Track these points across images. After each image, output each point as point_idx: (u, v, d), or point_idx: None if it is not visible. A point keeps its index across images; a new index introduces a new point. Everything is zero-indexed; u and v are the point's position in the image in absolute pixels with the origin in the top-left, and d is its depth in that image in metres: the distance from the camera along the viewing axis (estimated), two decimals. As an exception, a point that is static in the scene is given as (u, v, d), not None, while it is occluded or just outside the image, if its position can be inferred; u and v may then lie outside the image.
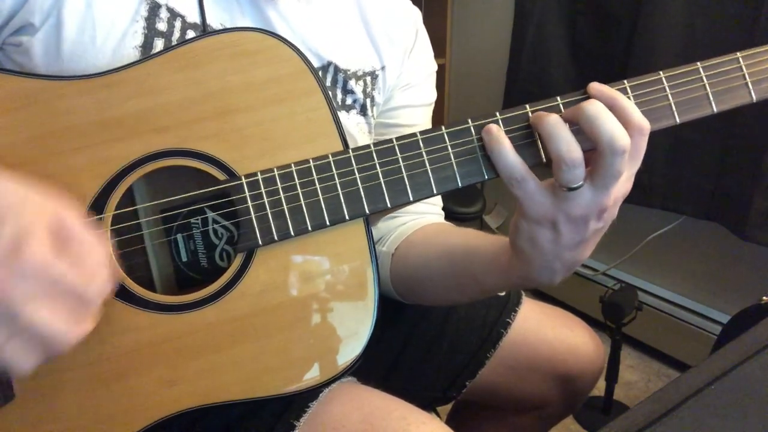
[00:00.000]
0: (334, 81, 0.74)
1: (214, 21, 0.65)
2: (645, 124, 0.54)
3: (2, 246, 0.42)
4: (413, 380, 0.89)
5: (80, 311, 0.46)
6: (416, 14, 0.83)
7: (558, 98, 0.58)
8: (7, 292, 0.42)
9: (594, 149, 0.53)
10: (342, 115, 0.74)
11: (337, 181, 0.57)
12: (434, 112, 0.87)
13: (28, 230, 0.43)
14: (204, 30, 0.64)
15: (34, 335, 0.44)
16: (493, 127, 0.56)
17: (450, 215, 0.86)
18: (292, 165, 0.57)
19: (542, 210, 0.55)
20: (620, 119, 0.53)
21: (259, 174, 0.57)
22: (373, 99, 0.77)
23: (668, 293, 1.81)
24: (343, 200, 0.57)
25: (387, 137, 0.80)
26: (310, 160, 0.57)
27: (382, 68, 0.78)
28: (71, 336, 0.45)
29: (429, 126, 0.86)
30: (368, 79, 0.76)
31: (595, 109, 0.53)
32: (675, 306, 1.78)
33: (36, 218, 0.44)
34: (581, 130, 0.53)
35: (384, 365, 0.88)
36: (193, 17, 0.64)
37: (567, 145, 0.52)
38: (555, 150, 0.53)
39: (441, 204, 0.88)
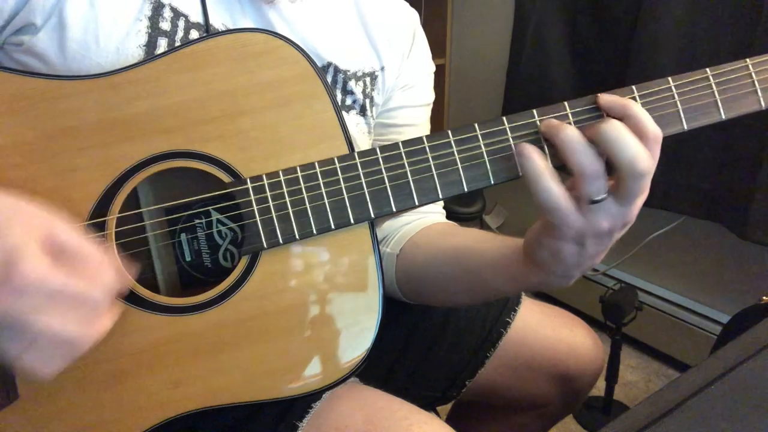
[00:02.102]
0: (334, 81, 0.74)
1: (217, 21, 0.66)
2: (659, 134, 0.53)
3: None
4: (413, 380, 0.89)
5: (91, 314, 0.47)
6: (414, 16, 0.84)
7: (566, 104, 0.56)
8: (12, 309, 0.43)
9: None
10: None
11: (342, 185, 0.57)
12: (434, 112, 0.87)
13: (19, 247, 0.43)
14: (207, 29, 0.64)
15: (47, 343, 0.45)
16: (527, 147, 0.54)
17: (450, 215, 0.86)
18: (298, 169, 0.57)
19: (574, 231, 0.54)
20: (634, 129, 0.53)
21: (264, 177, 0.57)
22: (372, 99, 0.78)
23: (668, 293, 1.81)
24: (348, 204, 0.57)
25: (386, 138, 0.80)
26: (316, 164, 0.57)
27: (382, 69, 0.78)
28: (86, 338, 0.47)
29: (428, 126, 0.86)
30: (368, 79, 0.77)
31: (615, 131, 0.51)
32: (675, 306, 1.78)
33: (25, 233, 0.44)
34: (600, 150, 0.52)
35: (384, 365, 0.88)
36: (196, 17, 0.64)
37: (587, 158, 0.52)
38: (576, 163, 0.52)
39: (442, 203, 0.88)
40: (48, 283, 0.44)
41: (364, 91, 0.76)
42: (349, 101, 0.75)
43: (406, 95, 0.82)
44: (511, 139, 0.56)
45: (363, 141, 0.77)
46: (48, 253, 0.45)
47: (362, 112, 0.76)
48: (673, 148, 1.52)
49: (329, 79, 0.73)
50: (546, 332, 0.90)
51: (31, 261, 0.43)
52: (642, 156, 0.51)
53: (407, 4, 0.84)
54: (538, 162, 0.53)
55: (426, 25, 0.86)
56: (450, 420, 1.08)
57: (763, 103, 0.59)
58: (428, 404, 0.93)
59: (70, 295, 0.45)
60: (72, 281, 0.45)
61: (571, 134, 0.53)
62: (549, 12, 1.78)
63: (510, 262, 0.64)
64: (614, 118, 0.54)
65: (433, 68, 0.87)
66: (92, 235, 0.55)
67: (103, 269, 0.47)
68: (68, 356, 0.46)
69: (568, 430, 1.61)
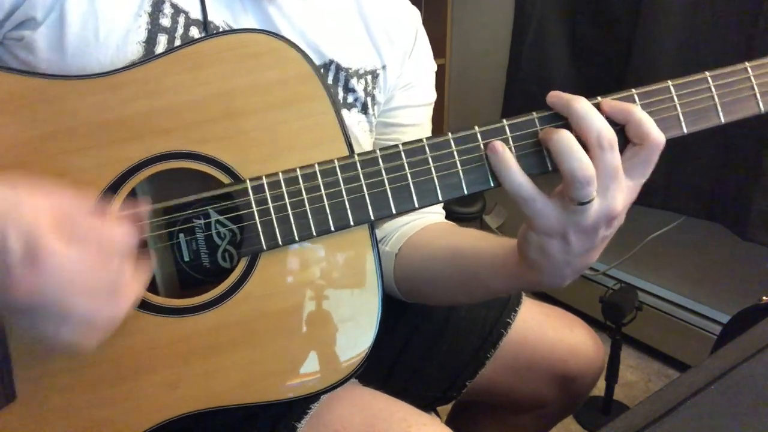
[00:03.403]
0: (336, 79, 0.74)
1: (217, 18, 0.65)
2: (661, 140, 0.54)
3: (19, 256, 0.44)
4: (414, 380, 0.89)
5: (115, 282, 0.48)
6: (415, 15, 0.84)
7: None
8: (41, 294, 0.45)
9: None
10: (343, 113, 0.74)
11: (342, 186, 0.57)
12: (434, 112, 0.87)
13: (34, 233, 0.44)
14: (206, 26, 0.64)
15: (81, 319, 0.47)
16: (498, 145, 0.56)
17: (450, 215, 0.86)
18: (298, 170, 0.57)
19: (552, 224, 0.55)
20: (636, 132, 0.54)
21: (264, 178, 0.56)
22: (374, 98, 0.78)
23: (668, 293, 1.81)
24: (348, 206, 0.57)
25: (388, 137, 0.80)
26: (316, 165, 0.57)
27: (383, 67, 0.78)
28: (117, 308, 0.49)
29: (429, 125, 0.86)
30: (369, 78, 0.77)
31: (582, 107, 0.53)
32: (675, 306, 1.78)
33: (37, 218, 0.45)
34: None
35: (384, 365, 0.88)
36: (197, 13, 0.64)
37: (579, 162, 0.52)
38: (567, 168, 0.52)
39: (442, 203, 0.88)
40: (70, 262, 0.45)
41: (365, 89, 0.76)
42: (350, 99, 0.75)
43: (407, 94, 0.82)
44: (511, 142, 0.56)
45: (364, 139, 0.77)
46: (63, 232, 0.46)
47: (364, 110, 0.76)
48: (673, 148, 1.51)
49: (331, 76, 0.73)
50: (546, 333, 0.90)
51: (51, 242, 0.45)
52: (607, 129, 0.53)
53: (409, 3, 0.84)
54: (504, 155, 0.55)
55: (426, 25, 0.86)
56: (450, 420, 1.08)
57: (762, 108, 0.59)
58: (428, 405, 0.93)
59: (91, 268, 0.46)
60: (89, 256, 0.46)
61: (563, 137, 0.53)
62: (549, 12, 1.78)
63: (506, 262, 0.64)
64: (618, 124, 0.55)
65: (435, 67, 0.86)
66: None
67: (117, 237, 0.49)
68: (103, 329, 0.49)
69: (568, 430, 1.61)
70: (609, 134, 0.53)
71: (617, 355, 1.54)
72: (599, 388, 1.52)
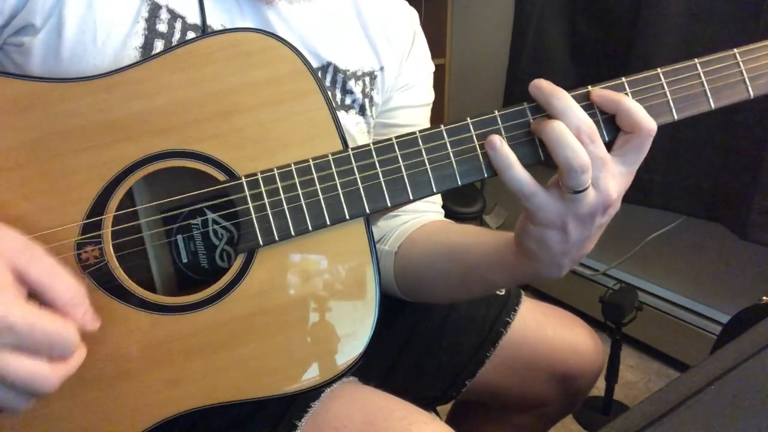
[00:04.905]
0: (334, 81, 0.74)
1: (215, 22, 0.65)
2: (653, 127, 0.54)
3: None
4: (413, 380, 0.89)
5: (60, 353, 0.46)
6: (413, 16, 0.84)
7: None
8: None
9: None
10: (341, 114, 0.74)
11: (337, 180, 0.57)
12: (434, 112, 0.87)
13: None
14: (204, 31, 0.64)
15: (13, 383, 0.44)
16: (496, 140, 0.56)
17: (450, 215, 0.86)
18: (292, 164, 0.57)
19: (551, 216, 0.55)
20: (627, 121, 0.54)
21: (259, 174, 0.57)
22: (371, 99, 0.78)
23: (668, 293, 1.81)
24: (343, 199, 0.57)
25: (387, 137, 0.80)
26: (310, 159, 0.57)
27: (381, 69, 0.78)
28: (53, 379, 0.45)
29: (427, 126, 0.86)
30: (367, 79, 0.77)
31: (560, 104, 0.54)
32: (675, 306, 1.78)
33: None
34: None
35: (384, 365, 0.88)
36: (194, 18, 0.64)
37: (573, 152, 0.52)
38: (562, 157, 0.53)
39: (440, 202, 0.88)
40: (18, 324, 0.43)
41: (363, 91, 0.76)
42: (348, 101, 0.75)
43: (405, 95, 0.82)
44: (503, 132, 0.57)
45: (362, 140, 0.77)
46: (20, 287, 0.44)
47: (362, 111, 0.76)
48: (673, 148, 1.52)
49: (329, 78, 0.73)
50: (546, 332, 0.90)
51: (2, 300, 0.43)
52: (588, 122, 0.53)
53: (407, 4, 0.84)
54: (503, 149, 0.55)
55: (426, 25, 0.86)
56: (450, 420, 1.08)
57: (751, 92, 0.60)
58: (428, 404, 0.93)
59: (40, 335, 0.44)
60: (42, 322, 0.44)
61: (556, 127, 0.53)
62: (549, 12, 1.78)
63: (503, 254, 0.64)
64: (607, 113, 0.56)
65: (433, 68, 0.87)
66: (70, 254, 0.54)
67: (75, 305, 0.47)
68: (33, 395, 0.46)
69: (568, 430, 1.61)
70: (588, 129, 0.53)
71: (617, 355, 1.54)
72: (599, 388, 1.53)
